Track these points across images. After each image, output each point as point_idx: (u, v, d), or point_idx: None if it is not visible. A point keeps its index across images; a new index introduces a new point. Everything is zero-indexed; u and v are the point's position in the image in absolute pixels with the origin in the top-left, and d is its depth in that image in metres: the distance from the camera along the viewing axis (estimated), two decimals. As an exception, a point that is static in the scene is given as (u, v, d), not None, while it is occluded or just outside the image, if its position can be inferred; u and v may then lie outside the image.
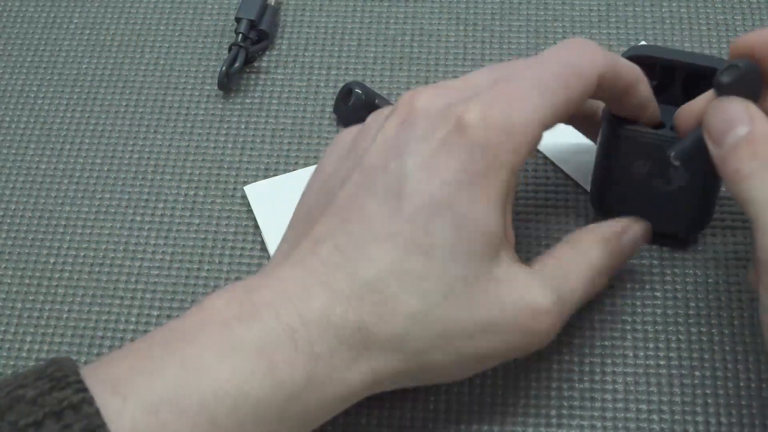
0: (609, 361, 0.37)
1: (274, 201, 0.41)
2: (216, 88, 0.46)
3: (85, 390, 0.27)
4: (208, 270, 0.40)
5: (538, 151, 0.42)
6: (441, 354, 0.31)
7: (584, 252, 0.34)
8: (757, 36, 0.31)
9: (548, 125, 0.32)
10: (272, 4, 0.48)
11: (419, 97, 0.32)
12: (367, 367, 0.30)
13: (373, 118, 0.34)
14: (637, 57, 0.35)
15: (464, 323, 0.30)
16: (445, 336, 0.30)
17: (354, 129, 0.35)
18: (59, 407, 0.27)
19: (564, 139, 0.42)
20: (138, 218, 0.42)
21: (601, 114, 0.37)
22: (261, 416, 0.29)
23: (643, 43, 0.45)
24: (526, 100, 0.31)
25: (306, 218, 0.33)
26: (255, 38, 0.47)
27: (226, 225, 0.42)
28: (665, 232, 0.38)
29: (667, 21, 0.46)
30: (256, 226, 0.41)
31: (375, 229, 0.30)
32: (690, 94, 0.34)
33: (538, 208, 0.41)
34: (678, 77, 0.37)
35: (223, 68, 0.45)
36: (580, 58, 0.32)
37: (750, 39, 0.31)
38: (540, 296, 0.31)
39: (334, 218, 0.31)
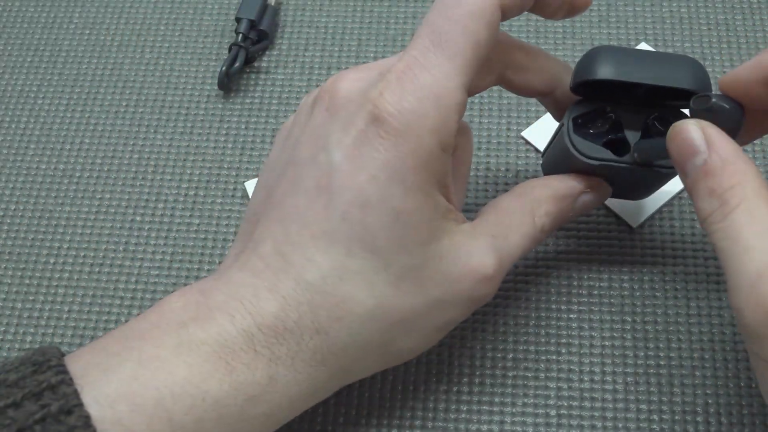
0: (609, 361, 0.37)
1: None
2: (216, 88, 0.46)
3: (65, 372, 0.28)
4: (208, 270, 0.40)
5: (540, 153, 0.42)
6: (403, 338, 0.31)
7: (531, 207, 0.33)
8: (739, 73, 0.30)
9: (468, 82, 0.30)
10: (272, 4, 0.48)
11: (341, 82, 0.31)
12: (334, 363, 0.30)
13: (303, 101, 0.34)
14: (587, 83, 0.32)
15: (419, 307, 0.30)
16: (404, 322, 0.30)
17: (293, 116, 0.35)
18: (38, 389, 0.27)
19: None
20: (138, 218, 0.42)
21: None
22: (221, 416, 0.29)
23: (643, 43, 0.45)
24: (434, 69, 0.29)
25: (252, 216, 0.33)
26: (255, 38, 0.47)
27: (226, 225, 0.42)
28: (620, 198, 0.38)
29: (667, 21, 0.46)
30: (256, 226, 0.41)
31: (311, 228, 0.30)
32: (656, 102, 0.33)
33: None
34: (639, 93, 0.33)
35: (223, 68, 0.45)
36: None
37: (734, 76, 0.30)
38: (484, 263, 0.31)
39: (272, 217, 0.31)
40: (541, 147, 0.42)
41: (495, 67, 0.33)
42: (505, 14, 0.30)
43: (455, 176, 0.33)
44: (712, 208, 0.28)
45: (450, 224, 0.31)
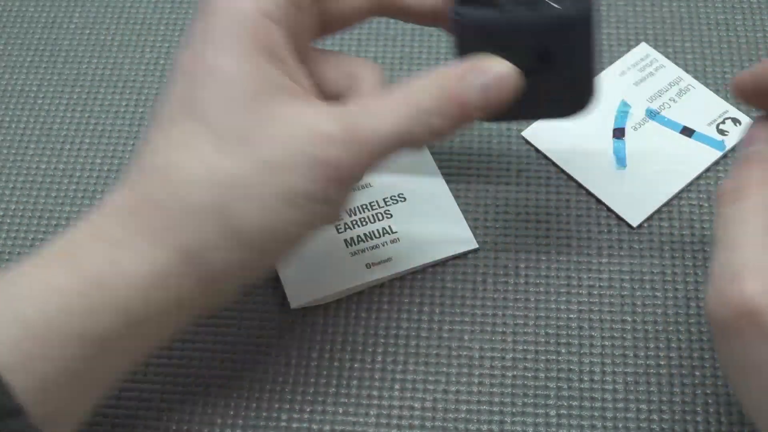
0: (609, 361, 0.37)
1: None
2: (216, 88, 0.46)
3: None
4: (207, 270, 0.40)
5: (540, 153, 0.42)
6: (240, 206, 0.29)
7: (412, 91, 0.30)
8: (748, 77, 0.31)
9: None
10: (272, 4, 0.48)
11: None
12: (172, 241, 0.29)
13: None
14: None
15: (248, 169, 0.29)
16: (235, 187, 0.29)
17: None
18: None
19: (567, 141, 0.42)
20: (138, 218, 0.42)
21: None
22: (69, 306, 0.28)
23: (643, 43, 0.45)
24: None
25: None
26: (255, 38, 0.47)
27: (226, 225, 0.42)
28: (545, 112, 0.34)
29: (668, 21, 0.46)
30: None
31: (156, 109, 0.31)
32: None
33: (539, 209, 0.41)
34: None
35: (223, 68, 0.45)
36: None
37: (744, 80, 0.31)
38: (321, 121, 0.29)
39: None
40: (542, 147, 0.42)
41: None
42: None
43: (310, 58, 0.33)
44: (730, 187, 0.29)
45: (285, 96, 0.30)
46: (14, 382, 0.27)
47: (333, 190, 0.30)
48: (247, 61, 0.30)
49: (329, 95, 0.34)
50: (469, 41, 0.31)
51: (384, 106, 0.30)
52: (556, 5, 0.31)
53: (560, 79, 0.32)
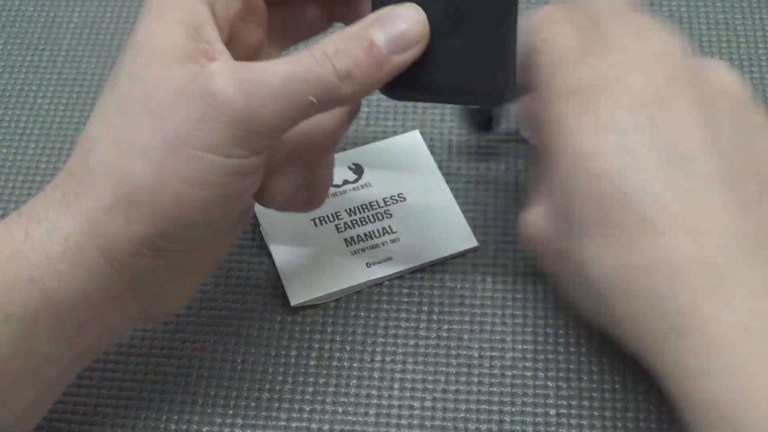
0: (609, 360, 0.37)
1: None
2: (216, 87, 0.46)
3: None
4: (207, 269, 0.40)
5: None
6: (131, 164, 0.28)
7: (318, 44, 0.29)
8: None
9: None
10: (272, 3, 0.48)
11: None
12: (78, 207, 0.29)
13: None
14: None
15: (143, 122, 0.28)
16: (127, 140, 0.29)
17: None
18: None
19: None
20: (137, 218, 0.42)
21: None
22: None
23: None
24: None
25: None
26: (255, 38, 0.47)
27: (226, 224, 0.42)
28: (454, 92, 0.32)
29: (667, 21, 0.46)
30: (256, 222, 0.41)
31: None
32: None
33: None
34: None
35: (223, 68, 0.45)
36: None
37: None
38: (215, 67, 0.28)
39: None
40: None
41: None
42: None
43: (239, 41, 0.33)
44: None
45: (192, 61, 0.29)
46: None
47: (227, 135, 0.28)
48: (160, 30, 0.29)
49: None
50: None
51: (286, 58, 0.29)
52: None
53: (473, 53, 0.31)
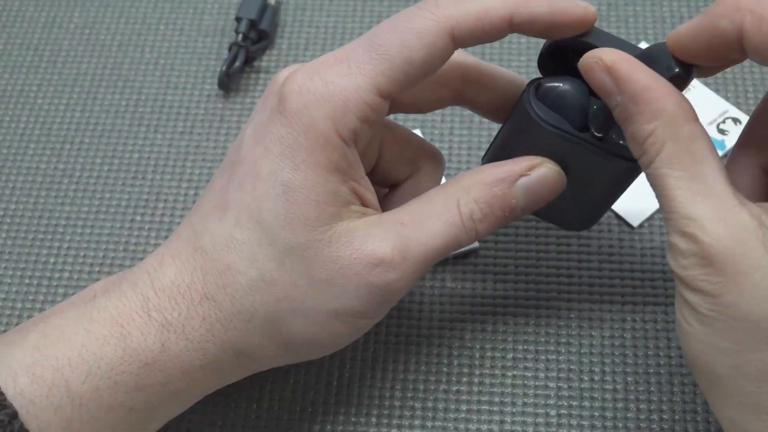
0: (609, 360, 0.37)
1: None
2: (216, 87, 0.46)
3: None
4: (207, 270, 0.40)
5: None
6: (292, 319, 0.30)
7: (456, 194, 0.31)
8: (683, 33, 0.29)
9: (389, 90, 0.30)
10: (272, 3, 0.48)
11: (284, 71, 0.32)
12: (224, 337, 0.30)
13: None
14: (555, 48, 0.32)
15: (303, 286, 0.30)
16: (290, 300, 0.30)
17: None
18: None
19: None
20: (138, 218, 0.42)
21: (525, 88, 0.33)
22: (117, 383, 0.29)
23: (643, 42, 0.45)
24: (354, 64, 0.30)
25: None
26: (255, 38, 0.47)
27: (226, 225, 0.42)
28: (557, 219, 0.35)
29: (668, 20, 0.46)
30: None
31: (215, 198, 0.31)
32: None
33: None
34: None
35: (224, 68, 0.45)
36: (424, 17, 0.30)
37: (679, 37, 0.29)
38: (377, 246, 0.30)
39: (201, 197, 0.32)
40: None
41: (450, 85, 0.34)
42: (458, 44, 0.30)
43: (380, 136, 0.33)
44: (638, 154, 0.28)
45: (350, 213, 0.31)
46: None
47: (383, 308, 0.31)
48: (317, 181, 0.30)
49: (389, 179, 0.35)
50: (530, 134, 0.31)
51: (436, 219, 0.31)
52: (623, 142, 0.31)
53: (583, 203, 0.34)
